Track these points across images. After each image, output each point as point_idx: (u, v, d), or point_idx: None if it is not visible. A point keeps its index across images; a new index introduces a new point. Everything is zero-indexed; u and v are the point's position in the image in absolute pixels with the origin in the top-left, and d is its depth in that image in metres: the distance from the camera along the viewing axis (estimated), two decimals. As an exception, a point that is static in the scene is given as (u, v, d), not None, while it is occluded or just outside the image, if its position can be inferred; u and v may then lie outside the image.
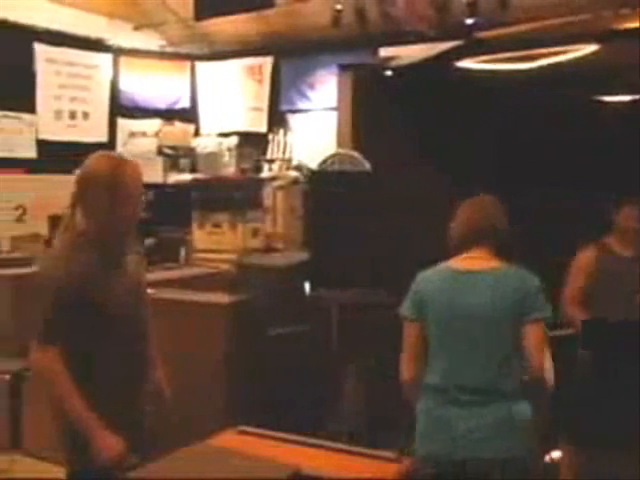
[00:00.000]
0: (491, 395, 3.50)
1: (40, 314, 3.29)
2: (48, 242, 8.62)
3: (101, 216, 3.33)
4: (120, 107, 14.78)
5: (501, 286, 3.60)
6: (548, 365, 3.54)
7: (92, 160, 3.42)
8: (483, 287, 3.61)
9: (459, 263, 3.75)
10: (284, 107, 14.45)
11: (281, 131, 14.43)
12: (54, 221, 9.07)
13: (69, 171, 12.26)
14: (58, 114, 13.79)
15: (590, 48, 5.65)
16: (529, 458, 3.55)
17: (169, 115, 15.43)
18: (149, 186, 12.22)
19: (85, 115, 14.25)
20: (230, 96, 15.05)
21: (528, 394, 3.56)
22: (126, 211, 3.36)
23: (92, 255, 3.33)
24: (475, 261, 3.71)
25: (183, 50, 15.14)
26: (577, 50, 5.68)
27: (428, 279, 3.77)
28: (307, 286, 5.34)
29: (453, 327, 3.59)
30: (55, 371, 3.25)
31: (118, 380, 3.41)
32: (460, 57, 6.08)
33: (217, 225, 6.92)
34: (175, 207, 11.74)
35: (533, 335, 3.52)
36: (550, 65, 5.73)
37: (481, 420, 3.45)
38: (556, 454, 5.20)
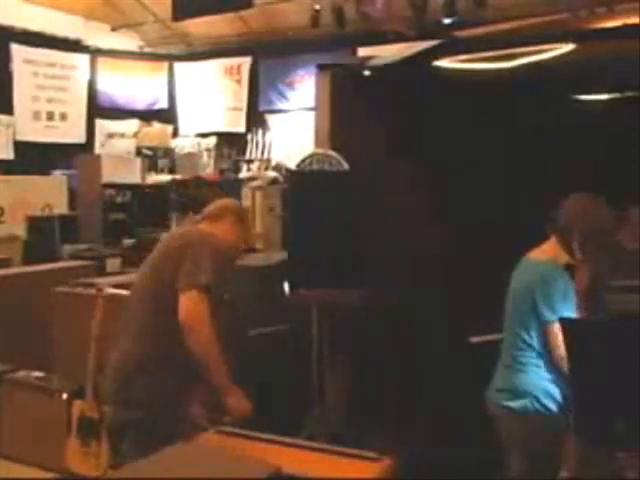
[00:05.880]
0: None
1: (203, 264, 3.46)
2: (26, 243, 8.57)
3: None
4: (98, 108, 14.71)
5: None
6: None
7: None
8: None
9: None
10: (263, 107, 14.44)
11: (260, 131, 14.42)
12: (32, 222, 9.04)
13: (47, 172, 12.47)
14: (36, 115, 13.70)
15: (567, 47, 5.68)
16: None
17: (147, 116, 15.38)
18: (127, 187, 12.28)
19: (63, 116, 14.17)
20: (208, 96, 15.00)
21: None
22: None
23: None
24: None
25: (161, 51, 15.08)
26: (554, 49, 5.70)
27: None
28: (286, 286, 5.33)
29: None
30: (207, 324, 3.46)
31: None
32: (438, 57, 6.08)
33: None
34: (154, 207, 11.76)
35: None
36: (527, 64, 5.75)
37: None
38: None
